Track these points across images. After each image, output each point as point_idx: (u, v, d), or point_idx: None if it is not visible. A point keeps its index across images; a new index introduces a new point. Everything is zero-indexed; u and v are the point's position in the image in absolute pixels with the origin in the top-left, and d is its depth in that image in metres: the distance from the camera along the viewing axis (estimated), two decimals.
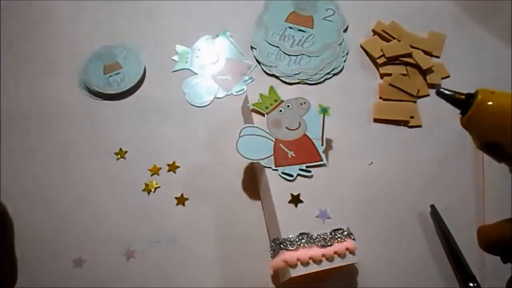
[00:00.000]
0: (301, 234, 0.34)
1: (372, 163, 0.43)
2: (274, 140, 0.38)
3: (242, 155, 0.37)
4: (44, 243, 0.39)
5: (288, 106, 0.40)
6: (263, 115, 0.39)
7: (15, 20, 0.52)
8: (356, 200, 0.41)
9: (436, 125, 0.46)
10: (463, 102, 0.22)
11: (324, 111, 0.39)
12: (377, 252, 0.39)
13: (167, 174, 0.42)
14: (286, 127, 0.38)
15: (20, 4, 0.53)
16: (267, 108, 0.40)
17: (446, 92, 0.23)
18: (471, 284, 0.36)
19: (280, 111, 0.39)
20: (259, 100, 0.40)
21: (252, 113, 0.40)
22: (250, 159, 0.37)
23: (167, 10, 0.53)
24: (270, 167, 0.36)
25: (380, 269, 0.38)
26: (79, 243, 0.39)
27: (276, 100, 0.40)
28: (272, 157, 0.37)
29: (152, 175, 0.42)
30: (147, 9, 0.52)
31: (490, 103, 0.21)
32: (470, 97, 0.22)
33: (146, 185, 0.42)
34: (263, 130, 0.38)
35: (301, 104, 0.40)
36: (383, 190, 0.42)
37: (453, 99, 0.22)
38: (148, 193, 0.41)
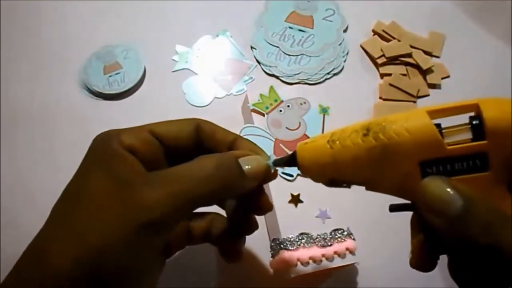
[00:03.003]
0: (301, 234, 0.34)
1: None
2: (274, 140, 0.38)
3: None
4: None
5: (288, 106, 0.40)
6: (263, 115, 0.39)
7: (15, 20, 0.52)
8: (356, 200, 0.41)
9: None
10: (290, 161, 0.24)
11: (324, 111, 0.39)
12: (377, 252, 0.39)
13: None
14: (286, 127, 0.39)
15: (20, 4, 0.53)
16: (267, 108, 0.40)
17: (277, 161, 0.25)
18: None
19: (280, 111, 0.39)
20: (259, 100, 0.40)
21: (252, 113, 0.40)
22: None
23: (167, 10, 0.53)
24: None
25: (380, 269, 0.38)
26: None
27: (276, 100, 0.40)
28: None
29: None
30: (147, 9, 0.52)
31: (304, 154, 0.23)
32: (293, 154, 0.24)
33: None
34: (263, 130, 0.38)
35: (301, 104, 0.40)
36: None
37: (283, 162, 0.25)
38: None
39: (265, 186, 0.37)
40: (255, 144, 0.27)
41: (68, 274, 0.19)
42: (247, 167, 0.24)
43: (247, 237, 0.39)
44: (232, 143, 0.26)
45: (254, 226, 0.28)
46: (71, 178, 0.23)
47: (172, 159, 0.25)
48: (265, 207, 0.27)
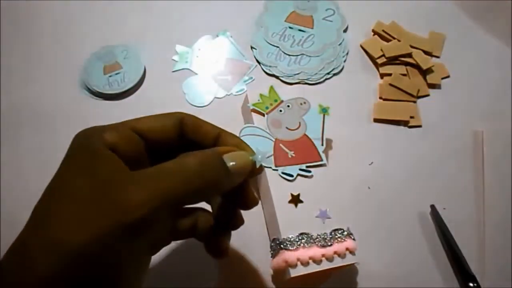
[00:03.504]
0: (301, 234, 0.34)
1: (372, 163, 0.43)
2: (274, 140, 0.38)
3: None
4: None
5: (288, 106, 0.40)
6: (263, 115, 0.39)
7: (15, 20, 0.52)
8: (356, 200, 0.41)
9: (436, 125, 0.46)
10: None
11: (324, 111, 0.39)
12: (377, 252, 0.39)
13: None
14: (286, 127, 0.38)
15: (20, 4, 0.53)
16: (267, 108, 0.39)
17: None
18: (471, 284, 0.36)
19: (280, 111, 0.39)
20: (259, 100, 0.40)
21: (252, 113, 0.40)
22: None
23: (167, 10, 0.53)
24: (270, 167, 0.36)
25: (380, 269, 0.38)
26: None
27: (276, 100, 0.40)
28: (272, 157, 0.37)
29: None
30: (147, 9, 0.52)
31: None
32: None
33: None
34: (263, 130, 0.38)
35: (301, 104, 0.40)
36: (383, 190, 0.42)
37: None
38: None
39: (265, 186, 0.37)
40: (240, 139, 0.26)
41: (49, 278, 0.19)
42: (231, 163, 0.24)
43: (246, 238, 0.39)
44: (216, 138, 0.26)
45: (239, 222, 0.28)
46: (52, 177, 0.23)
47: (155, 155, 0.25)
48: (251, 202, 0.27)
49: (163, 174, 0.22)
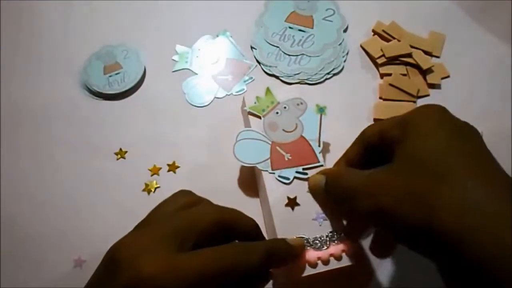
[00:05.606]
0: (298, 237, 0.33)
1: None
2: (270, 143, 0.37)
3: (240, 160, 0.36)
4: (44, 243, 0.39)
5: (285, 107, 0.39)
6: (260, 118, 0.39)
7: (15, 20, 0.52)
8: None
9: None
10: None
11: (321, 110, 0.39)
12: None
13: (167, 174, 0.42)
14: (283, 129, 0.38)
15: (20, 4, 0.53)
16: (263, 110, 0.39)
17: None
18: None
19: (277, 113, 0.39)
20: (255, 102, 0.40)
21: (249, 116, 0.39)
22: (248, 164, 0.37)
23: (167, 10, 0.53)
24: (267, 171, 0.36)
25: (380, 269, 0.38)
26: (79, 243, 0.39)
27: (272, 102, 0.40)
28: (269, 160, 0.37)
29: (152, 175, 0.42)
30: (147, 9, 0.52)
31: None
32: None
33: (146, 185, 0.42)
34: (260, 133, 0.38)
35: (297, 104, 0.39)
36: None
37: None
38: (148, 193, 0.41)
39: (262, 189, 0.37)
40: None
41: None
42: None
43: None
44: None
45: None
46: None
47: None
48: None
49: None
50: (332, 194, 0.31)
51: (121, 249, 0.23)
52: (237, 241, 0.27)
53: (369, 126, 0.31)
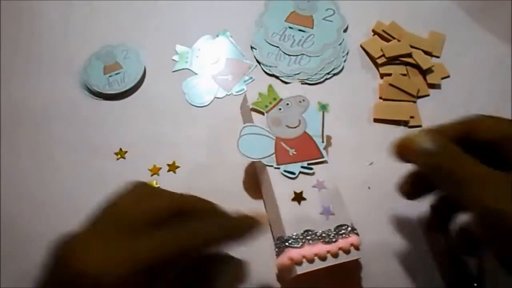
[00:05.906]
0: (306, 231, 0.33)
1: (372, 163, 0.43)
2: (275, 138, 0.38)
3: (244, 155, 0.36)
4: (44, 243, 0.39)
5: (287, 104, 0.40)
6: (263, 114, 0.39)
7: (15, 20, 0.52)
8: (356, 200, 0.41)
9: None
10: None
11: (323, 108, 0.39)
12: (377, 253, 0.39)
13: (167, 174, 0.42)
14: (286, 125, 0.38)
15: (20, 4, 0.53)
16: (266, 106, 0.39)
17: None
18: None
19: (280, 109, 0.39)
20: (258, 99, 0.40)
21: (252, 112, 0.40)
22: (252, 158, 0.37)
23: (167, 10, 0.53)
24: (272, 166, 0.36)
25: (380, 269, 0.38)
26: None
27: (275, 99, 0.40)
28: (274, 155, 0.37)
29: (152, 175, 0.42)
30: (147, 9, 0.53)
31: None
32: None
33: None
34: (263, 128, 0.38)
35: (300, 102, 0.40)
36: (383, 190, 0.42)
37: None
38: None
39: (267, 185, 0.37)
40: None
41: None
42: None
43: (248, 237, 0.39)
44: None
45: None
46: None
47: None
48: None
49: None
50: (437, 168, 0.27)
51: (63, 243, 0.24)
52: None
53: (485, 120, 0.28)
